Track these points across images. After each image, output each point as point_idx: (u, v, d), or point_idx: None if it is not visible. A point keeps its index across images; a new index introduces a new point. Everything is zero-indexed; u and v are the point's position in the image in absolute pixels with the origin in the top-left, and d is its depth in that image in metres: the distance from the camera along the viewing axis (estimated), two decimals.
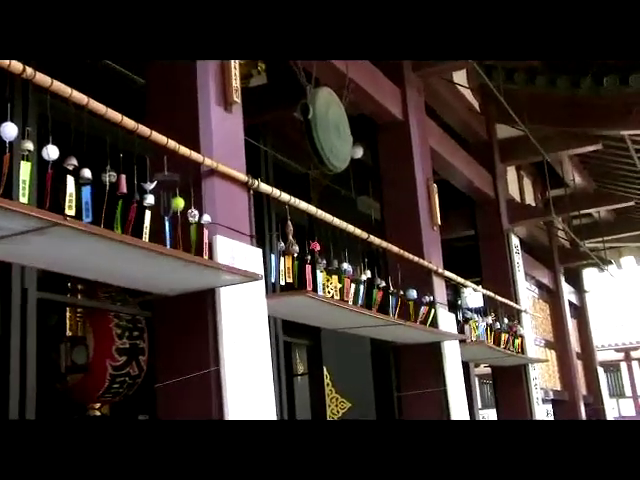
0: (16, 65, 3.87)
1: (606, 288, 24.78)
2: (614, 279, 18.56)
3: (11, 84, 5.06)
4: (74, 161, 4.02)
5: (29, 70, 3.93)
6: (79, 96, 4.14)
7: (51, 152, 3.90)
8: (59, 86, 4.06)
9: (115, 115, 4.30)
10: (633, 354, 33.97)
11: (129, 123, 4.38)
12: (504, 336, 10.48)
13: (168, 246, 4.40)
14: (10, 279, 5.27)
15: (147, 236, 4.34)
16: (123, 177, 4.27)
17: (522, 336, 11.40)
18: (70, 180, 3.96)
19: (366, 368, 9.81)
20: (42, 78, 3.99)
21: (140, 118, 4.59)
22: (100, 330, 7.23)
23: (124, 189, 4.27)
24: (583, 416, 15.66)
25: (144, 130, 4.47)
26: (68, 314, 7.27)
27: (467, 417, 8.50)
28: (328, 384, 9.32)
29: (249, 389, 4.86)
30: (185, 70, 5.09)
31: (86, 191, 3.99)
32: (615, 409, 27.88)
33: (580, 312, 18.55)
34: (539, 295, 15.31)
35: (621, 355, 33.94)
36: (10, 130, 3.71)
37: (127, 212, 4.29)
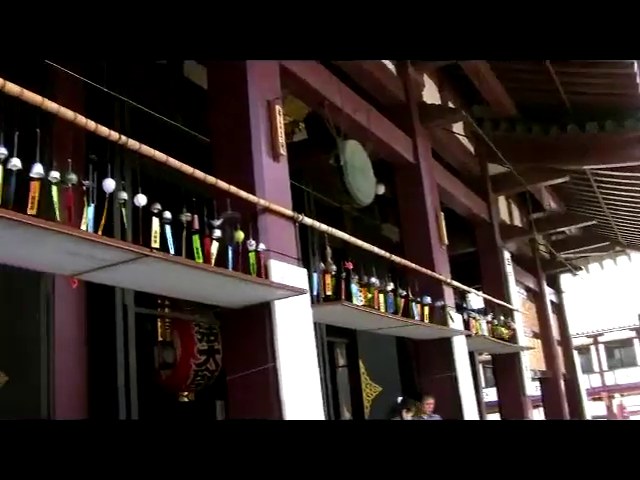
0: (114, 134, 3.88)
1: (578, 288, 24.55)
2: (584, 281, 18.36)
3: (110, 148, 5.10)
4: (158, 205, 4.00)
5: (123, 137, 3.93)
6: (160, 155, 4.13)
7: (140, 199, 3.89)
8: (146, 148, 4.06)
9: (188, 168, 4.29)
10: (600, 339, 34.43)
11: (199, 174, 4.36)
12: (500, 330, 10.33)
13: (231, 269, 4.36)
14: (114, 298, 5.32)
15: (214, 262, 4.32)
16: (196, 217, 4.26)
17: (515, 329, 11.23)
18: (155, 220, 3.94)
19: (393, 360, 9.75)
20: (133, 143, 3.99)
21: (208, 170, 4.58)
22: (184, 335, 7.26)
23: (197, 226, 4.26)
24: (563, 390, 15.44)
25: (211, 179, 4.45)
26: (159, 323, 7.29)
27: (473, 394, 8.38)
28: (363, 373, 9.23)
29: (300, 379, 4.81)
30: (241, 131, 5.08)
31: (168, 229, 3.98)
32: (587, 382, 27.64)
33: (559, 308, 18.28)
34: (527, 296, 15.11)
35: (590, 340, 34.14)
36: (110, 184, 3.72)
37: (200, 244, 4.29)
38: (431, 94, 10.04)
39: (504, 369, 11.99)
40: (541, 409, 16.66)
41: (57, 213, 3.37)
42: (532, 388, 12.35)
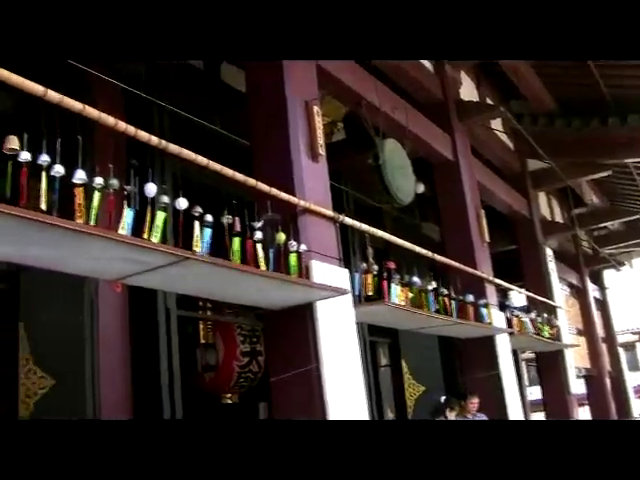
0: (154, 139, 3.89)
1: (622, 284, 24.17)
2: (628, 277, 18.07)
3: (151, 153, 5.14)
4: (199, 209, 4.01)
5: (163, 142, 3.94)
6: (201, 159, 4.14)
7: (181, 203, 3.90)
8: (187, 153, 4.07)
9: (228, 171, 4.29)
10: None
11: (239, 177, 4.37)
12: (544, 327, 10.21)
13: (272, 271, 4.36)
14: (156, 301, 5.37)
15: (262, 265, 4.32)
16: (237, 219, 4.27)
17: (558, 327, 11.08)
18: (196, 224, 3.95)
19: (436, 359, 9.68)
20: (173, 147, 4.00)
21: (247, 172, 4.58)
22: (227, 338, 7.30)
23: (238, 228, 4.26)
24: (609, 387, 15.21)
25: (251, 181, 4.45)
26: (201, 326, 7.33)
27: (517, 393, 8.29)
28: (406, 373, 9.19)
29: (343, 379, 4.78)
30: (280, 132, 5.07)
31: (207, 232, 3.98)
32: (633, 380, 27.19)
33: (603, 305, 18.02)
34: (570, 293, 14.91)
35: (636, 337, 33.55)
36: (151, 188, 3.73)
37: (242, 246, 4.29)
38: (469, 91, 9.96)
39: (548, 367, 11.84)
40: (587, 407, 16.46)
41: (93, 218, 3.39)
42: (578, 386, 12.18)
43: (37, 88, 3.27)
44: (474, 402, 7.34)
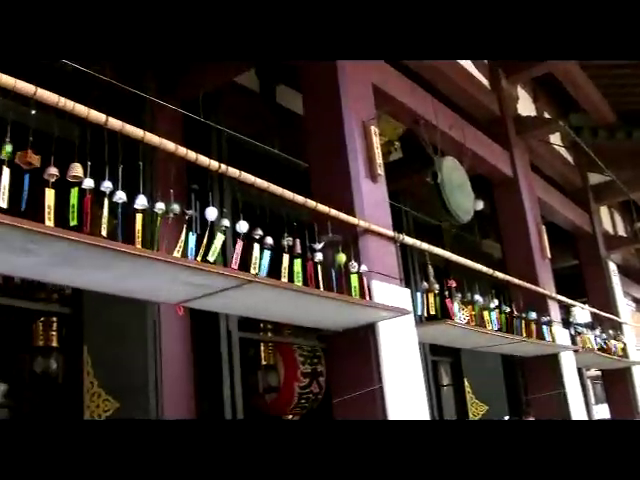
0: (214, 164, 3.91)
1: None
2: None
3: (210, 178, 5.19)
4: (259, 231, 4.02)
5: (223, 166, 3.96)
6: (261, 182, 4.14)
7: (242, 226, 3.91)
8: (246, 176, 4.08)
9: (289, 194, 4.29)
10: None
11: (299, 199, 4.36)
12: (610, 344, 9.95)
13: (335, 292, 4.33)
14: (218, 324, 5.40)
15: (322, 286, 4.31)
16: (297, 241, 4.26)
17: (625, 343, 10.79)
18: (256, 246, 3.96)
19: (499, 378, 9.54)
20: (233, 171, 4.01)
21: (307, 194, 4.58)
22: (287, 359, 7.29)
23: (299, 250, 4.26)
24: None
25: (311, 203, 4.44)
26: (262, 347, 7.34)
27: (583, 412, 8.09)
28: (469, 392, 9.06)
29: (406, 400, 4.71)
30: (338, 153, 5.05)
31: (266, 255, 3.98)
32: None
33: None
34: (636, 308, 14.55)
35: None
36: (212, 213, 3.75)
37: (303, 268, 4.28)
38: (526, 106, 9.84)
39: (615, 385, 11.50)
40: None
41: (156, 243, 3.42)
42: None
43: (100, 117, 3.32)
44: None
